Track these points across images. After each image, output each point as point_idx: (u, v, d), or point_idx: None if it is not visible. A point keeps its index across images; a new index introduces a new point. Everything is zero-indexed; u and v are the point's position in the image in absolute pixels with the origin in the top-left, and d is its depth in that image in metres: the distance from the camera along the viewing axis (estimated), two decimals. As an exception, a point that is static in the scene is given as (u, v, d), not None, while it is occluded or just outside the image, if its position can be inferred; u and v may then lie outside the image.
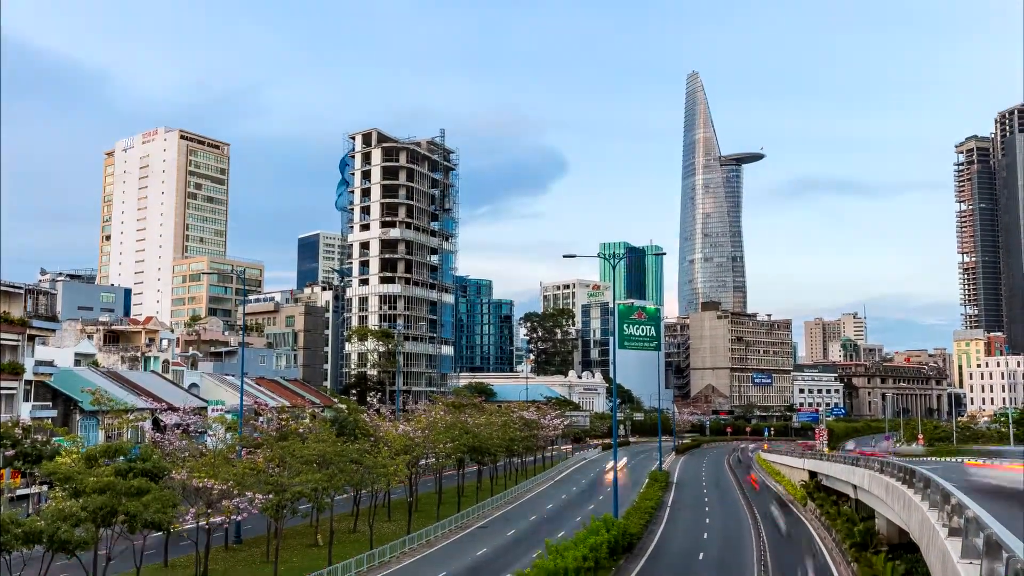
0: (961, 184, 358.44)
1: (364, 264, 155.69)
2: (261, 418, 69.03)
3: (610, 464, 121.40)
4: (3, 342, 57.49)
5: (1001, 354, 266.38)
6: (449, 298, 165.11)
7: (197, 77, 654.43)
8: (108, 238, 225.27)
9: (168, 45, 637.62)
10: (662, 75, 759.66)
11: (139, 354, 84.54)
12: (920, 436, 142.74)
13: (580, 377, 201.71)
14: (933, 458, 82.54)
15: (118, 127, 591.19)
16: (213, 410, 75.81)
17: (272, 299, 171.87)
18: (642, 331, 75.59)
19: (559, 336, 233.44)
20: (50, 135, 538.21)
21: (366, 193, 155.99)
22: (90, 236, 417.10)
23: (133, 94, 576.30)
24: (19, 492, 53.95)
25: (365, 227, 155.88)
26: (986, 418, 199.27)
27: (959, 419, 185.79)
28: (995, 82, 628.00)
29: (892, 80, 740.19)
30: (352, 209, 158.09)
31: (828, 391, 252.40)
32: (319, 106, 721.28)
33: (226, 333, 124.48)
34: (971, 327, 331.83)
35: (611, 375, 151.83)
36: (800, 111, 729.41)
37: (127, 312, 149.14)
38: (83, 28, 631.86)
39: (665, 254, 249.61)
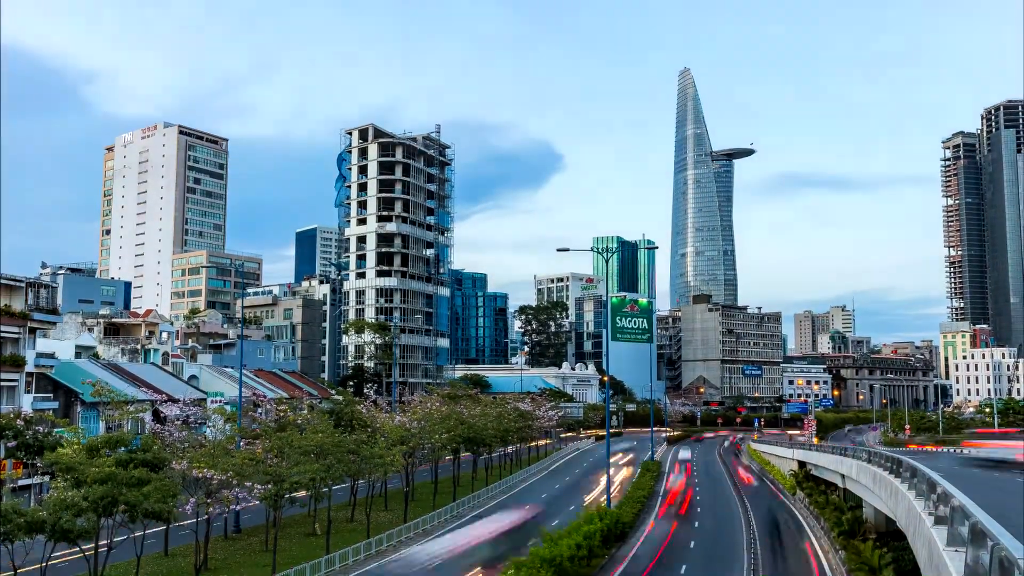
0: (948, 179, 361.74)
1: (361, 258, 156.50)
2: (260, 409, 69.60)
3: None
4: (5, 335, 57.91)
5: (986, 346, 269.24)
6: (445, 291, 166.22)
7: (192, 73, 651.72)
8: (108, 232, 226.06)
9: (164, 44, 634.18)
10: (658, 71, 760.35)
11: (139, 346, 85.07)
12: (907, 426, 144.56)
13: (574, 369, 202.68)
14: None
15: (115, 125, 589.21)
16: (212, 401, 76.39)
17: (270, 292, 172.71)
18: (634, 324, 76.28)
19: (553, 329, 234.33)
20: (49, 133, 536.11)
21: (363, 188, 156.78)
22: (90, 231, 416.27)
23: (128, 93, 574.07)
24: (21, 482, 54.47)
25: (362, 221, 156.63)
26: (971, 408, 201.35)
27: (945, 410, 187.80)
28: (982, 79, 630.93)
29: (884, 77, 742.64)
30: (349, 204, 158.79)
31: (817, 382, 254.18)
32: (318, 102, 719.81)
33: (225, 326, 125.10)
34: (957, 320, 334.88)
35: (604, 367, 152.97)
36: (790, 107, 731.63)
37: (127, 305, 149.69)
38: (79, 28, 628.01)
39: (657, 248, 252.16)
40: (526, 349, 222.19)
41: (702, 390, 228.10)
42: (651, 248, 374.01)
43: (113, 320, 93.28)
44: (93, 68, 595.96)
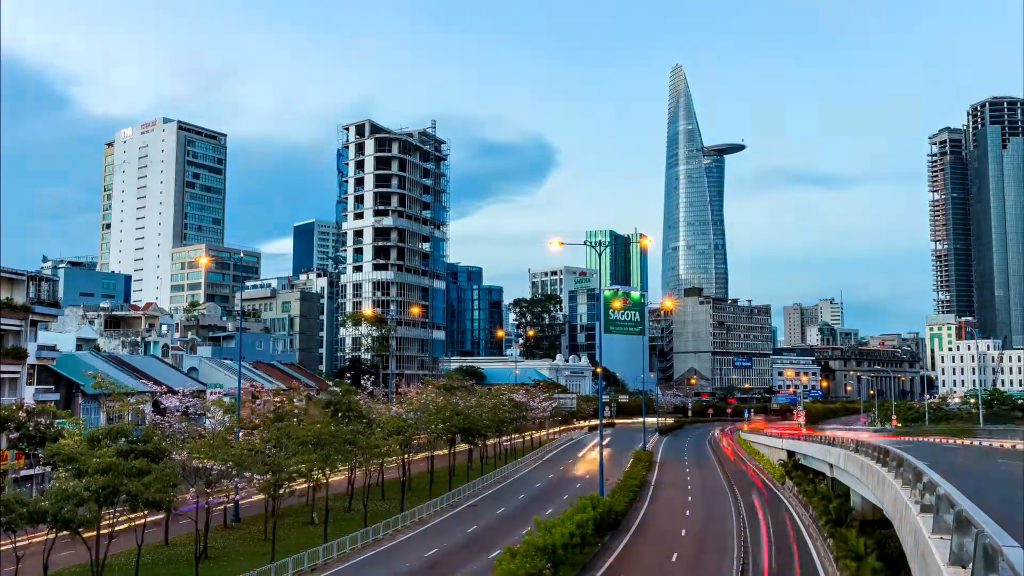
0: (934, 174, 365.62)
1: (358, 251, 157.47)
2: (258, 401, 70.32)
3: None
4: (7, 327, 58.48)
5: (971, 338, 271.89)
6: (440, 284, 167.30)
7: (181, 73, 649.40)
8: (108, 226, 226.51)
9: (155, 45, 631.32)
10: (653, 68, 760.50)
11: (139, 339, 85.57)
12: (894, 417, 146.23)
13: (567, 361, 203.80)
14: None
15: (100, 125, 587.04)
16: (211, 393, 77.06)
17: (269, 285, 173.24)
18: (627, 316, 77.26)
19: (547, 321, 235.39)
20: (51, 130, 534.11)
21: (360, 183, 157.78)
22: (90, 225, 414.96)
23: (121, 93, 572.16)
24: (23, 473, 55.14)
25: (359, 215, 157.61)
26: (957, 399, 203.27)
27: (931, 400, 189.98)
28: (969, 76, 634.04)
29: (873, 74, 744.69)
30: (346, 198, 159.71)
31: (806, 374, 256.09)
32: (311, 99, 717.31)
33: (224, 319, 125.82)
34: (943, 312, 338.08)
35: (597, 359, 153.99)
36: (781, 104, 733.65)
37: (127, 298, 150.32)
38: (79, 29, 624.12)
39: (650, 243, 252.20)
40: (520, 341, 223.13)
41: (693, 381, 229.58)
42: (643, 243, 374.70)
43: (113, 313, 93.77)
44: (81, 70, 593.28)
